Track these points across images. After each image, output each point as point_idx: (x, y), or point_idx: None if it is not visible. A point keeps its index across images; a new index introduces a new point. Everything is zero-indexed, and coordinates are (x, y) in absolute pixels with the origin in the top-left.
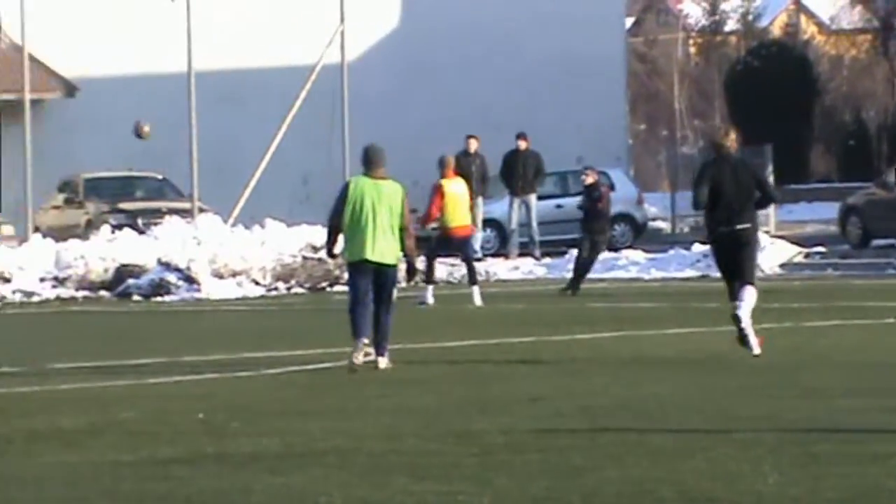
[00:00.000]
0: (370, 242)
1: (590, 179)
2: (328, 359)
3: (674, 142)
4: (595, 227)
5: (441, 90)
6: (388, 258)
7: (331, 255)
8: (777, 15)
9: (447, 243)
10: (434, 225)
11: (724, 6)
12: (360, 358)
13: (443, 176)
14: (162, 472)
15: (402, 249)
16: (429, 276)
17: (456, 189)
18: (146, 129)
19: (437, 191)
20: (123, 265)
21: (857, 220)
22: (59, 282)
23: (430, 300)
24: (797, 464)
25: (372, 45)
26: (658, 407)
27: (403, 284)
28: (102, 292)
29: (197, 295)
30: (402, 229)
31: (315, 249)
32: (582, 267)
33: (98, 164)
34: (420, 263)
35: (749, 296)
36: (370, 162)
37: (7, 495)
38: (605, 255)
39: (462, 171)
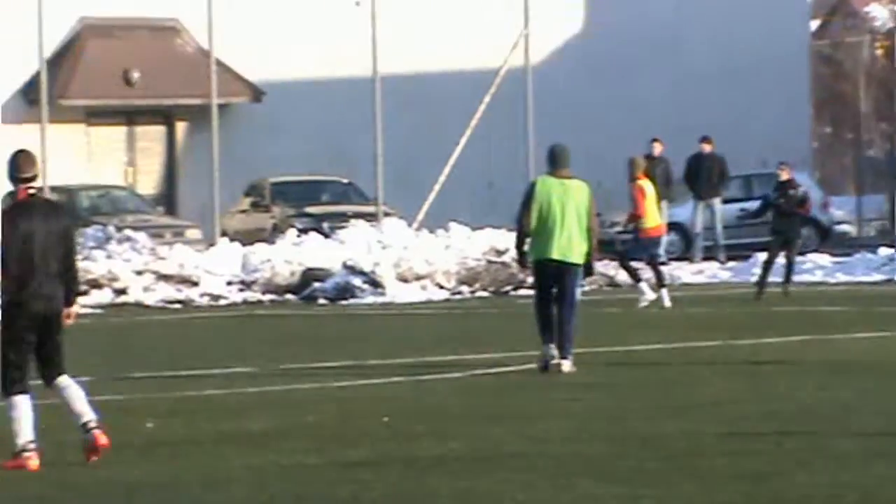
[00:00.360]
0: (555, 241)
1: (785, 175)
2: (513, 362)
3: (859, 145)
4: (789, 225)
5: (624, 93)
6: (571, 257)
7: (521, 262)
8: None
9: (645, 243)
10: (619, 228)
11: None
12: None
13: (634, 177)
14: (348, 475)
15: (588, 250)
16: (635, 276)
17: (650, 189)
18: (135, 75)
19: (640, 191)
20: (309, 269)
21: None
22: (246, 285)
23: (652, 294)
24: None
25: (555, 48)
26: (844, 411)
27: (587, 288)
28: (288, 296)
29: (382, 299)
30: (589, 230)
31: (499, 253)
32: (787, 269)
33: (284, 168)
34: (608, 268)
35: None
36: (555, 161)
37: (196, 497)
38: None
39: (647, 175)
